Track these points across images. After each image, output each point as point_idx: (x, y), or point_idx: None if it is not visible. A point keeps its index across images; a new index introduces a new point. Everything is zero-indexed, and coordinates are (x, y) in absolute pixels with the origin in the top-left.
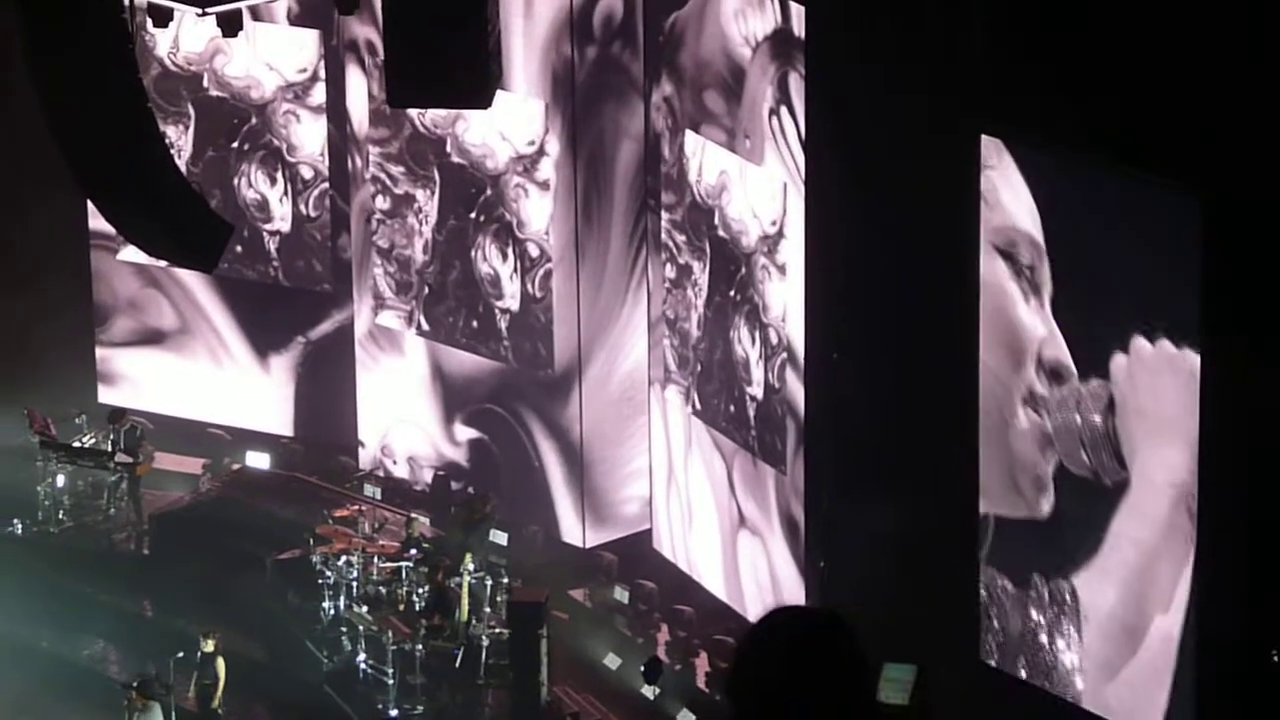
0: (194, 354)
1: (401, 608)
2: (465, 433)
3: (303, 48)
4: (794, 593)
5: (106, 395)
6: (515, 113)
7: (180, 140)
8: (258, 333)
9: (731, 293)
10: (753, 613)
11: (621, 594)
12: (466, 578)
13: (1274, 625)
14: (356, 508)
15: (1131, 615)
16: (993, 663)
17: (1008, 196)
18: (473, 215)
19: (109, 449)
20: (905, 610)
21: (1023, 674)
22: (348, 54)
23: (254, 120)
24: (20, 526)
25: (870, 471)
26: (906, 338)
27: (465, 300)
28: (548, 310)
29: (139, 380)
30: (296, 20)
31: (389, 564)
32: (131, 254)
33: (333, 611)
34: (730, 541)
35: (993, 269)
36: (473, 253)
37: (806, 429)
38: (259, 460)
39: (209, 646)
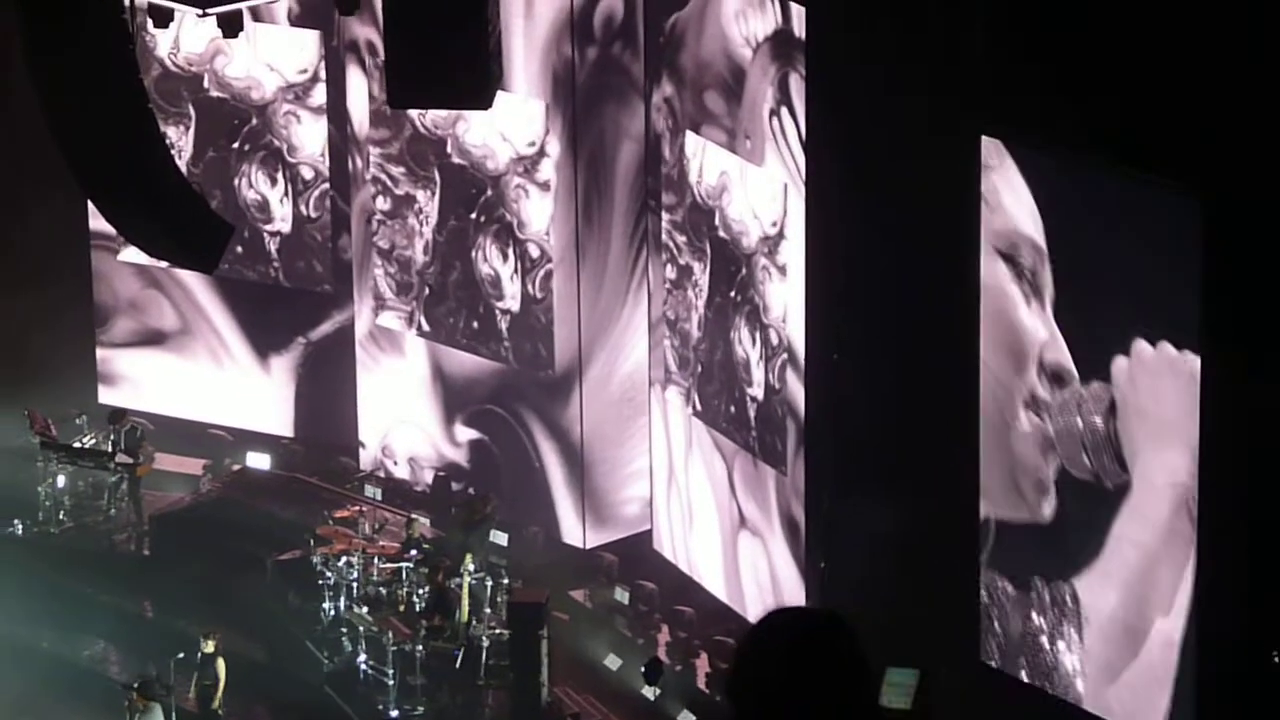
0: (194, 355)
1: (402, 608)
2: (466, 433)
3: (303, 48)
4: (794, 593)
5: (107, 396)
6: (516, 113)
7: (181, 141)
8: (258, 333)
9: (732, 293)
10: (753, 613)
11: (622, 595)
12: (467, 578)
13: (1275, 626)
14: (357, 508)
15: (1133, 618)
16: (994, 664)
17: (1009, 199)
18: (473, 216)
19: (109, 450)
20: (906, 611)
21: (1024, 676)
22: (348, 55)
23: (254, 121)
24: (21, 527)
25: (871, 472)
26: (907, 338)
27: (466, 301)
28: (548, 311)
29: (139, 381)
30: (297, 21)
31: (389, 565)
32: (132, 255)
33: (333, 612)
34: (731, 542)
35: (994, 272)
36: (473, 253)
37: (807, 430)
38: (259, 461)
39: (209, 647)
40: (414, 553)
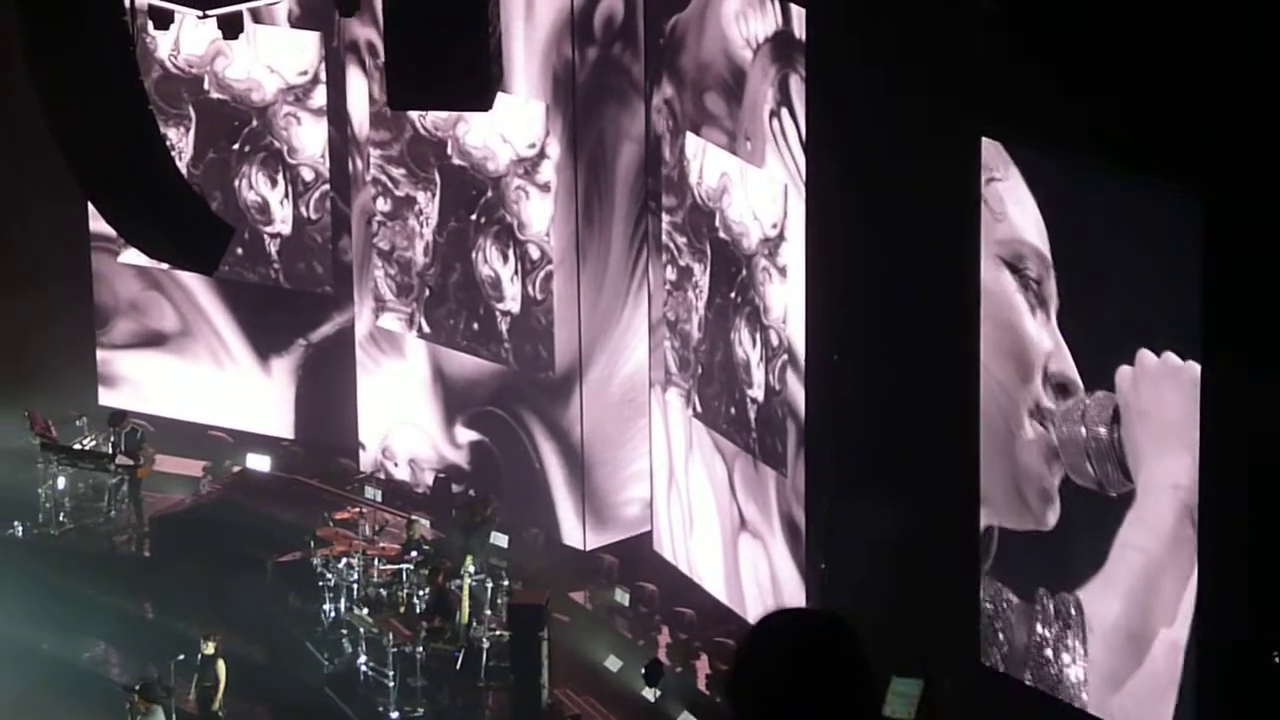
0: (195, 356)
1: (402, 610)
2: (466, 435)
3: (303, 50)
4: (795, 595)
5: (107, 397)
6: (516, 115)
7: (181, 142)
8: (258, 335)
9: (732, 295)
10: (753, 615)
11: (622, 596)
12: (467, 580)
13: (1275, 627)
14: (357, 510)
15: (1137, 627)
16: (997, 668)
17: (1015, 210)
18: (473, 217)
19: (110, 451)
20: (906, 612)
21: (1027, 683)
22: (348, 56)
23: (255, 122)
24: (21, 529)
25: (871, 473)
26: (907, 339)
27: (466, 302)
28: (548, 312)
29: (140, 382)
30: (297, 22)
31: (390, 566)
32: (132, 256)
33: (333, 614)
34: (731, 544)
35: (1000, 281)
36: (473, 255)
37: (807, 431)
38: (260, 463)
39: (210, 649)
40: (414, 554)
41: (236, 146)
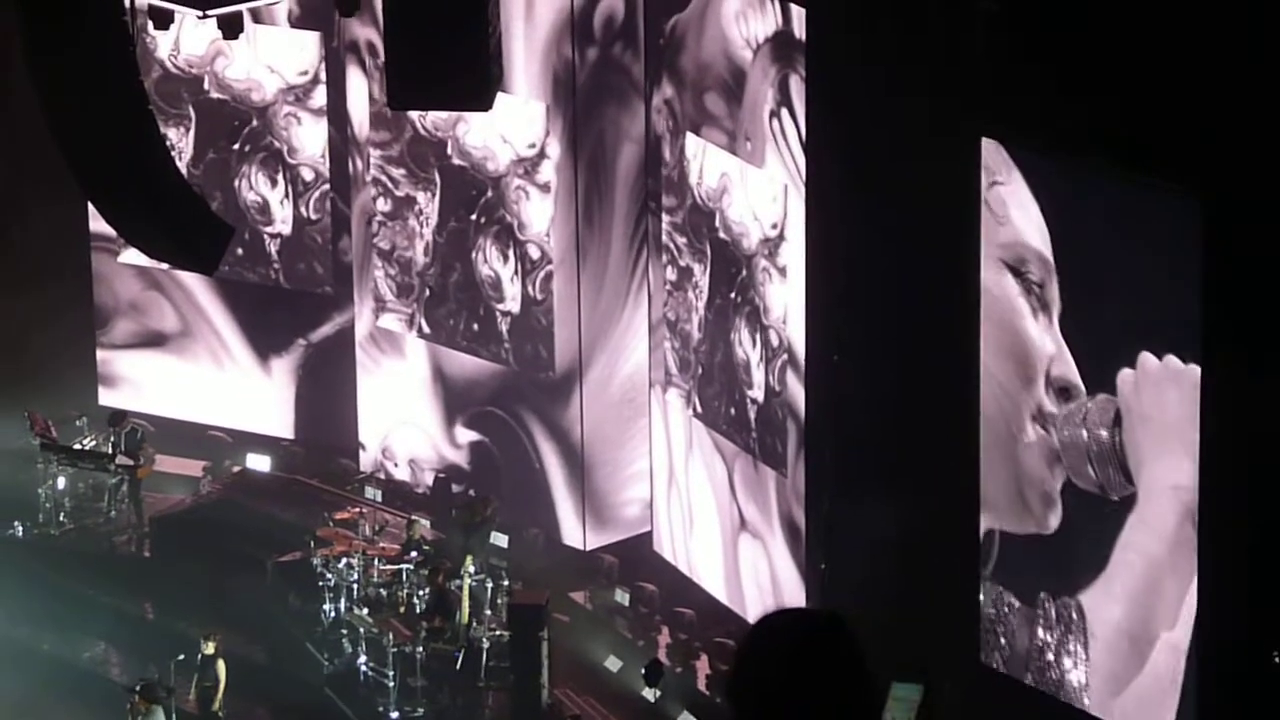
0: (195, 356)
1: (402, 610)
2: (466, 435)
3: (303, 50)
4: (795, 595)
5: (107, 397)
6: (516, 115)
7: (181, 142)
8: (259, 335)
9: (732, 295)
10: (753, 615)
11: (622, 596)
12: (467, 580)
13: (1275, 627)
14: (357, 510)
15: (1139, 630)
16: (997, 669)
17: (1017, 213)
18: (473, 217)
19: (110, 451)
20: (906, 612)
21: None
22: (348, 56)
23: (255, 122)
24: (21, 529)
25: (871, 473)
26: (907, 339)
27: (466, 303)
28: (548, 313)
29: (140, 382)
30: (297, 23)
31: (390, 566)
32: (132, 256)
33: (333, 614)
34: (731, 544)
35: (1003, 285)
36: (473, 255)
37: (807, 431)
38: (260, 463)
39: (210, 649)
40: (414, 554)
41: (236, 146)
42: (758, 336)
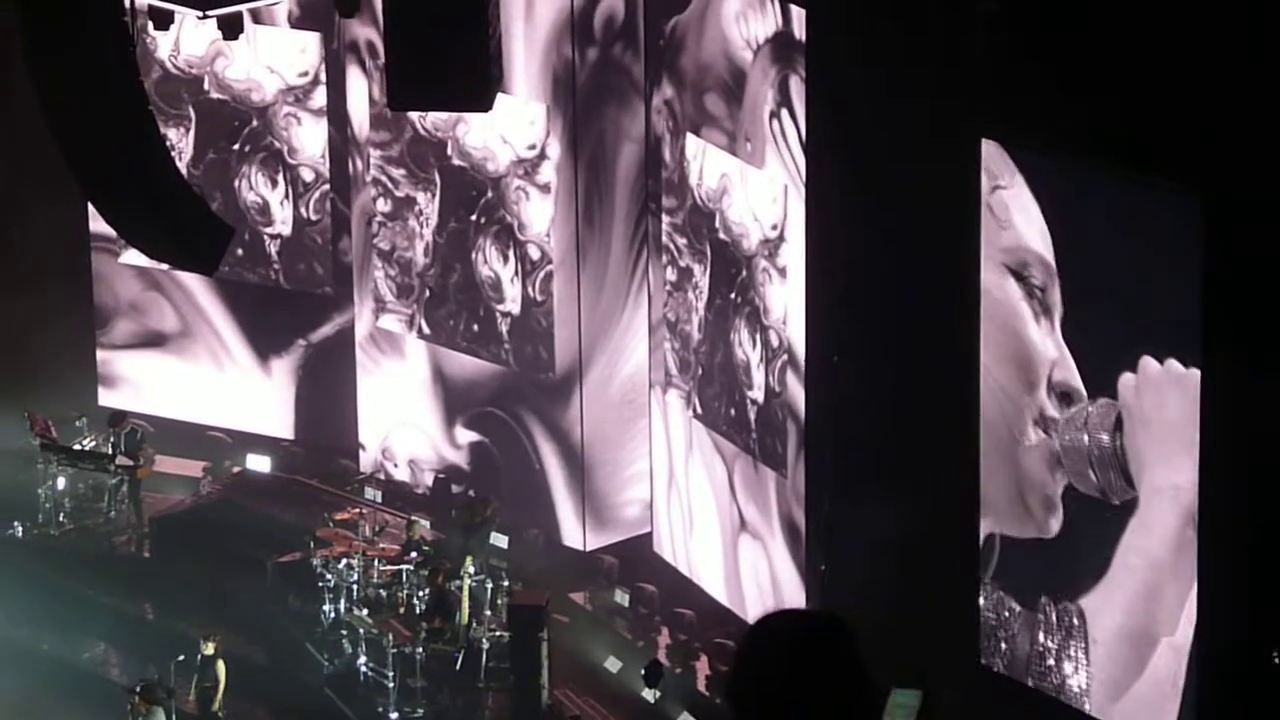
0: (195, 357)
1: (402, 611)
2: (466, 436)
3: (304, 50)
4: (795, 596)
5: (107, 398)
6: (516, 116)
7: (181, 143)
8: (259, 336)
9: (732, 295)
10: (753, 616)
11: (622, 597)
12: (467, 581)
13: (1275, 627)
14: (357, 511)
15: (1140, 634)
16: (997, 670)
17: (1020, 217)
18: (474, 218)
19: (110, 452)
20: (906, 613)
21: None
22: (348, 57)
23: (255, 123)
24: (21, 529)
25: (871, 474)
26: (907, 340)
27: (466, 303)
28: (548, 313)
29: (140, 383)
30: (297, 23)
31: (389, 567)
32: (133, 257)
33: (333, 614)
34: (731, 545)
35: (1005, 289)
36: (473, 255)
37: (807, 432)
38: (260, 463)
39: (209, 649)
40: (414, 555)
41: (236, 147)
42: (758, 337)
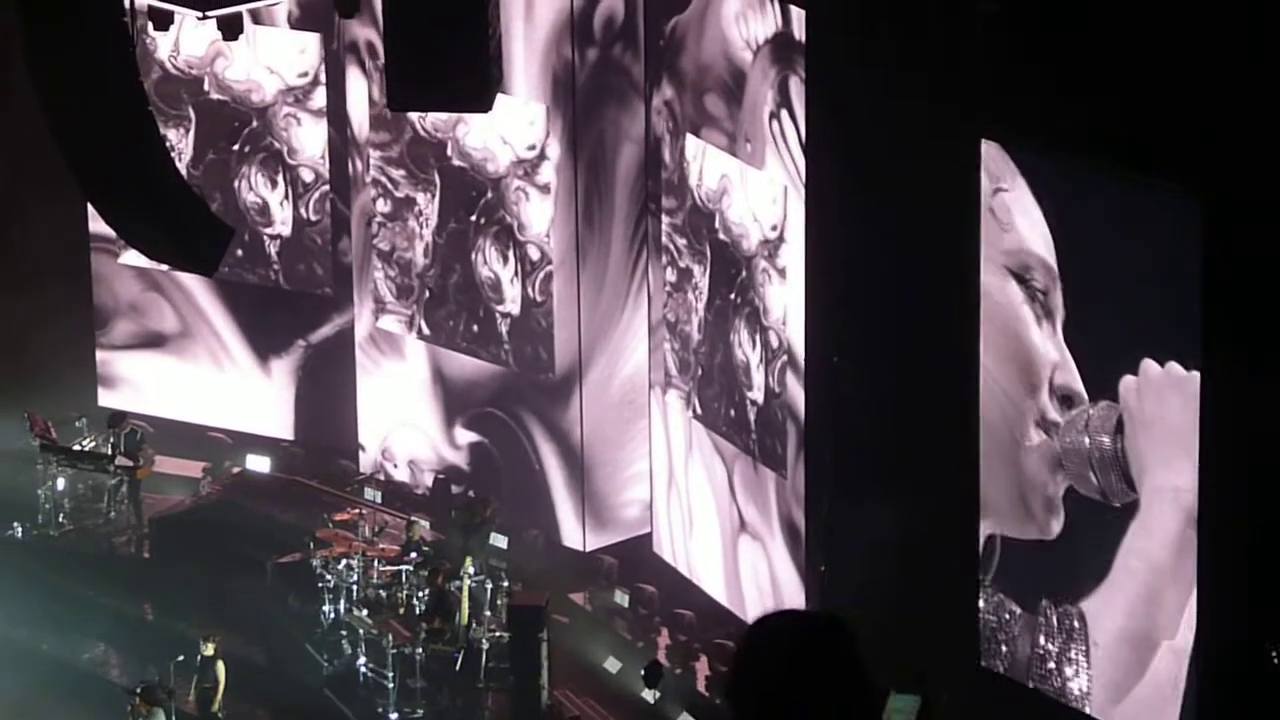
0: (195, 357)
1: (402, 611)
2: (466, 436)
3: (303, 51)
4: (794, 597)
5: (107, 398)
6: (516, 116)
7: (181, 143)
8: (258, 336)
9: (732, 296)
10: (753, 617)
11: (622, 598)
12: (467, 581)
13: (1275, 627)
14: (357, 511)
15: (1140, 638)
16: (998, 670)
17: (1022, 220)
18: (473, 219)
19: (109, 452)
20: (906, 614)
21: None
22: (348, 57)
23: (255, 123)
24: (21, 530)
25: (871, 475)
26: (907, 341)
27: (466, 304)
28: (548, 314)
29: (139, 383)
30: (297, 24)
31: (389, 567)
32: (132, 257)
33: (333, 615)
34: (731, 545)
35: (1007, 292)
36: (473, 256)
37: (807, 433)
38: (259, 464)
39: (209, 650)
40: (414, 555)
41: (236, 147)
42: (757, 338)
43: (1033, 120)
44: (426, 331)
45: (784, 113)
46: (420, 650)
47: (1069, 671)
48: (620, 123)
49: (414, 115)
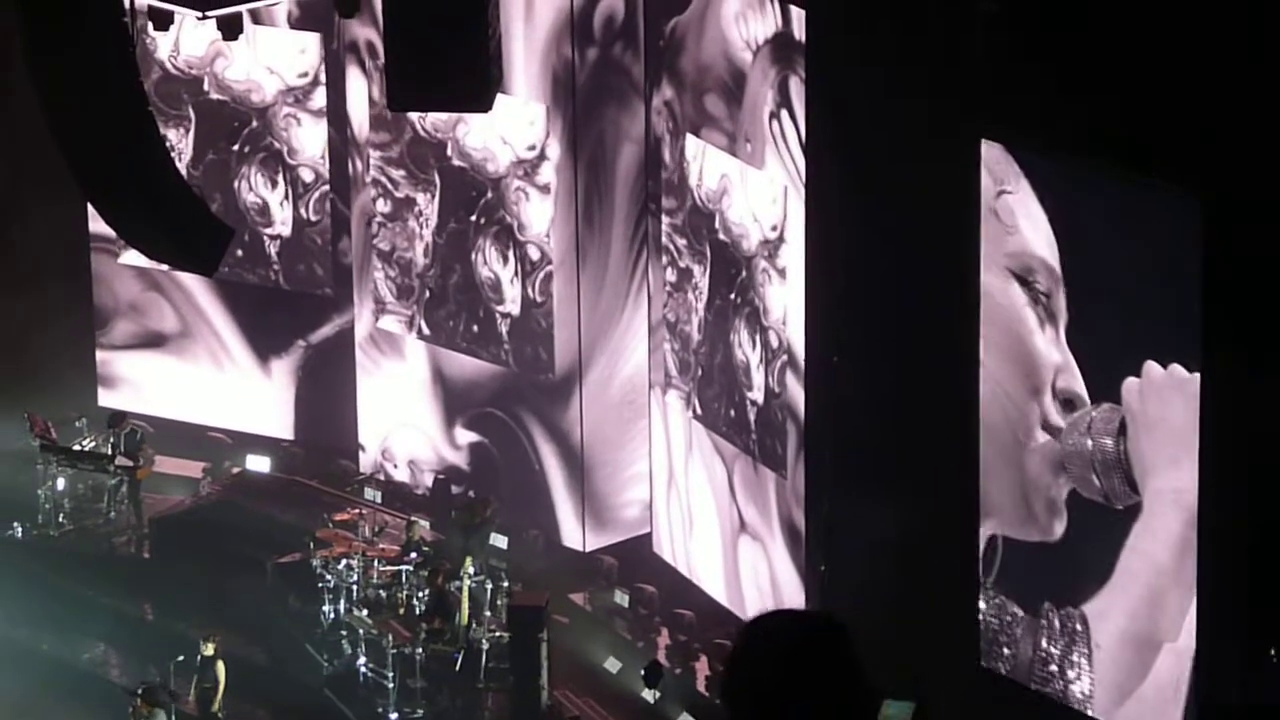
0: (195, 357)
1: (402, 611)
2: (466, 436)
3: (303, 51)
4: (794, 597)
5: (107, 398)
6: (516, 116)
7: (181, 143)
8: (258, 336)
9: (732, 296)
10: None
11: (621, 598)
12: (467, 581)
13: (1275, 627)
14: (357, 511)
15: (1143, 640)
16: (999, 670)
17: (1025, 223)
18: (473, 219)
19: (109, 452)
20: (906, 615)
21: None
22: (348, 57)
23: (254, 123)
24: (21, 530)
25: (871, 475)
26: (907, 341)
27: (466, 304)
28: (548, 314)
29: (139, 383)
30: (297, 24)
31: (389, 567)
32: (132, 257)
33: (333, 615)
34: (731, 546)
35: (1010, 295)
36: (473, 256)
37: (807, 433)
38: (259, 464)
39: (209, 650)
40: (414, 556)
41: (236, 148)
42: (757, 338)
43: (1033, 120)
44: (426, 332)
45: (784, 113)
46: (420, 650)
47: (1071, 674)
48: (620, 123)
49: (414, 115)
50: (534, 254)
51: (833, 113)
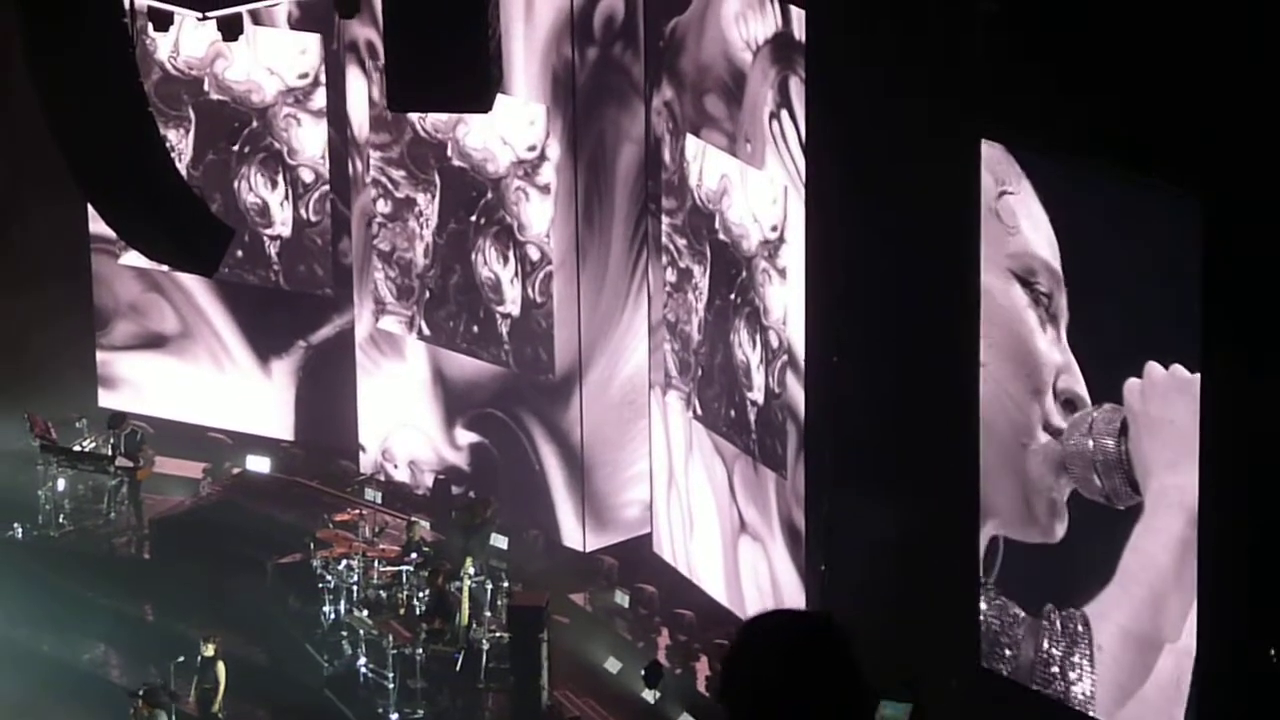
0: (195, 358)
1: (402, 612)
2: (466, 437)
3: (303, 52)
4: (795, 597)
5: (107, 399)
6: (516, 116)
7: (181, 144)
8: (259, 337)
9: (732, 296)
10: None
11: (622, 598)
12: (467, 582)
13: (1275, 627)
14: (357, 512)
15: (1145, 641)
16: (999, 670)
17: (1027, 224)
18: (473, 219)
19: (109, 453)
20: (907, 615)
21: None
22: (348, 58)
23: (255, 124)
24: (21, 530)
25: (871, 475)
26: (907, 341)
27: (466, 305)
28: (548, 315)
29: (140, 384)
30: (297, 24)
31: (389, 568)
32: (133, 258)
33: (333, 615)
34: (731, 546)
35: (1011, 296)
36: (473, 256)
37: (807, 433)
38: (259, 464)
39: (209, 650)
40: (414, 556)
41: (236, 148)
42: (757, 338)
43: (1033, 120)
44: (427, 332)
45: (784, 113)
46: (420, 651)
47: (1073, 675)
48: (620, 123)
49: (414, 116)
50: (534, 254)
51: (833, 113)
